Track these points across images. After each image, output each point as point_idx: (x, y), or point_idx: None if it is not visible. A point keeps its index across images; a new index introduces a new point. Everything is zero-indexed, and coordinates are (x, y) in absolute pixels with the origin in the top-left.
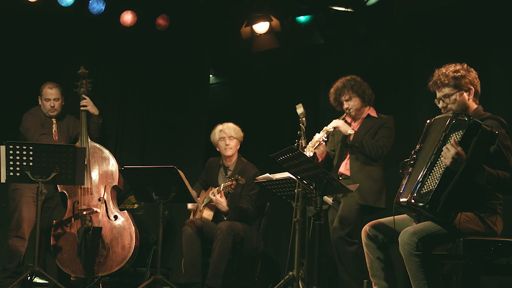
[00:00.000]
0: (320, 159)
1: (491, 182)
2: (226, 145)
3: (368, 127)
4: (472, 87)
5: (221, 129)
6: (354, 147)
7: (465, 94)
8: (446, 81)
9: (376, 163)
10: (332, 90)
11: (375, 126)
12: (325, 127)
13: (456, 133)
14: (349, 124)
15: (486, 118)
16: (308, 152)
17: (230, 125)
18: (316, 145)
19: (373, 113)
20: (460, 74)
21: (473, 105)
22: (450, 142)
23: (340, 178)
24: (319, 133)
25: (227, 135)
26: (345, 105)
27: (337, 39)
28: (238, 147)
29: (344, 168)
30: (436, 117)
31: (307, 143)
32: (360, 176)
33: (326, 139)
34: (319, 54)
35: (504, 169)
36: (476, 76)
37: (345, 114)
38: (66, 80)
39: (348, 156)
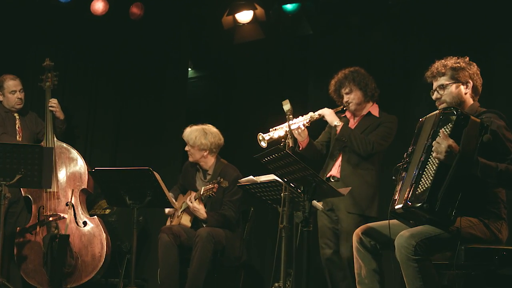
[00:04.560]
0: (301, 147)
1: (489, 175)
2: (187, 150)
3: (365, 125)
4: (470, 81)
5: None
6: (342, 141)
7: (462, 87)
8: (443, 71)
9: (371, 166)
10: (332, 81)
11: (373, 124)
12: (311, 112)
13: (445, 126)
14: (348, 120)
15: (483, 113)
16: (273, 133)
17: (194, 128)
18: (292, 127)
19: (375, 111)
20: (459, 65)
21: (470, 101)
22: (439, 136)
23: (332, 180)
24: (302, 116)
25: (187, 142)
26: (345, 98)
27: (328, 29)
28: (205, 153)
29: (336, 170)
30: (426, 116)
31: (295, 142)
32: (352, 180)
33: (308, 125)
34: (308, 46)
35: (509, 162)
36: (478, 72)
37: (341, 107)
38: (32, 74)
39: (340, 157)
